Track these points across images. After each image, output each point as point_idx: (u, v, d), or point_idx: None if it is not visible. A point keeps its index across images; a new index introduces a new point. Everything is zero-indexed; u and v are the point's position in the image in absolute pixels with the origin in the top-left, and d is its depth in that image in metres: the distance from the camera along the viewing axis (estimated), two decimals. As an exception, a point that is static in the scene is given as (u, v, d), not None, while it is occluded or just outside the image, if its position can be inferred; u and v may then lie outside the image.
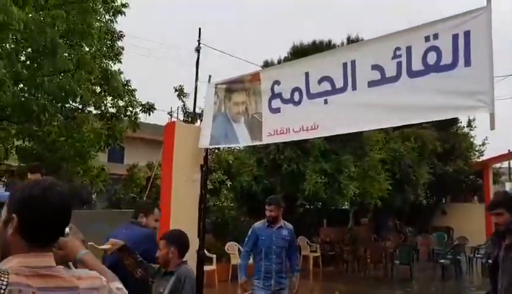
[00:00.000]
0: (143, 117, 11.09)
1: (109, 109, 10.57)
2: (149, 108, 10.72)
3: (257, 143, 5.62)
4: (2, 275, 1.26)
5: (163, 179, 5.96)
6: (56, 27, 7.22)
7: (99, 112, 10.61)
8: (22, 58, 8.13)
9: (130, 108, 10.60)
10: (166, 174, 5.85)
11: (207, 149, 6.19)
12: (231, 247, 10.92)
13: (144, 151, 19.18)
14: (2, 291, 1.23)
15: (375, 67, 4.35)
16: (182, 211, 5.62)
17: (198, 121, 8.43)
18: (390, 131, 14.79)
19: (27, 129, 9.24)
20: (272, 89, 5.35)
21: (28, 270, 1.30)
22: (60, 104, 8.87)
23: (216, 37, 10.19)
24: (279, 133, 5.21)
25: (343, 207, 15.77)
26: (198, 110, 8.62)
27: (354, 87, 4.48)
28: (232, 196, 12.77)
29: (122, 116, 10.59)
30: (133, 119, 10.62)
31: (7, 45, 7.24)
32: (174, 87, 11.85)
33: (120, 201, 13.35)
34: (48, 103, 7.98)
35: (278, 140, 5.58)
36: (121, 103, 10.55)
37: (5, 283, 1.24)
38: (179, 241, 3.47)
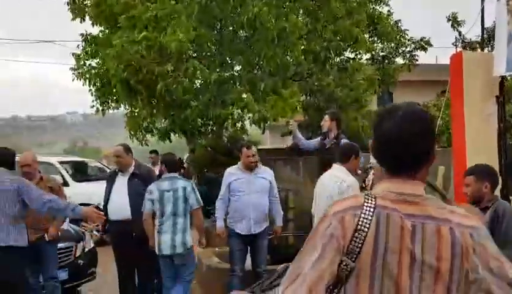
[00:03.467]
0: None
1: (380, 53, 10.53)
2: (423, 45, 10.10)
3: None
4: (370, 198, 1.28)
5: (454, 116, 5.55)
6: None
7: (370, 57, 10.71)
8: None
9: (403, 48, 10.26)
10: (457, 110, 5.41)
11: (502, 77, 5.43)
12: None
13: (413, 94, 18.41)
14: (371, 212, 1.25)
15: None
16: (478, 148, 5.14)
17: (486, 49, 7.50)
18: None
19: (308, 84, 10.16)
20: None
21: (393, 195, 1.29)
22: (336, 51, 9.44)
23: None
24: None
25: None
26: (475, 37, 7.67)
27: None
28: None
29: (393, 57, 10.40)
30: (407, 57, 10.26)
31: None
32: (446, 16, 10.76)
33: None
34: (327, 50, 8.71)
35: None
36: (392, 44, 10.36)
37: (373, 205, 1.27)
38: (491, 174, 3.23)
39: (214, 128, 9.63)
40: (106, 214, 5.09)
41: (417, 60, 10.41)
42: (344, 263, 1.24)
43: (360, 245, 1.23)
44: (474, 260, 1.24)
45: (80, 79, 9.84)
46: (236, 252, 5.06)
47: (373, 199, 1.28)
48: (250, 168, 5.03)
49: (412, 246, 1.22)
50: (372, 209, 1.26)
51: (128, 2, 8.39)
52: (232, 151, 9.34)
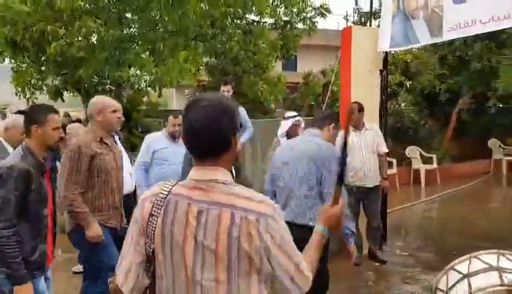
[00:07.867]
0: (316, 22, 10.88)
1: (283, 18, 10.67)
2: (323, 11, 10.40)
3: (437, 40, 5.11)
4: (169, 184, 1.41)
5: (342, 86, 5.90)
6: None
7: (273, 22, 10.82)
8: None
9: (304, 14, 10.48)
10: (345, 81, 5.77)
11: (386, 52, 5.85)
12: (412, 151, 10.57)
13: (317, 58, 19.15)
14: (164, 197, 1.37)
15: None
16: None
17: (376, 22, 7.94)
18: None
19: (213, 46, 10.04)
20: (457, -23, 4.67)
21: (192, 182, 1.37)
22: (235, 16, 9.35)
23: None
24: (463, 27, 4.60)
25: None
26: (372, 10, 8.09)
27: None
28: (411, 98, 12.10)
29: (295, 23, 10.62)
30: (308, 23, 10.51)
31: None
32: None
33: (299, 109, 13.83)
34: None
35: (461, 35, 4.94)
36: (294, 9, 10.52)
37: (166, 191, 1.39)
38: None
39: (113, 88, 9.19)
40: None
41: (316, 26, 10.75)
42: (147, 244, 1.39)
43: (153, 229, 1.37)
44: (259, 247, 1.29)
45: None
46: None
47: (170, 187, 1.39)
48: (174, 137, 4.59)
49: (196, 231, 1.32)
50: (164, 196, 1.38)
51: None
52: (130, 113, 9.05)
